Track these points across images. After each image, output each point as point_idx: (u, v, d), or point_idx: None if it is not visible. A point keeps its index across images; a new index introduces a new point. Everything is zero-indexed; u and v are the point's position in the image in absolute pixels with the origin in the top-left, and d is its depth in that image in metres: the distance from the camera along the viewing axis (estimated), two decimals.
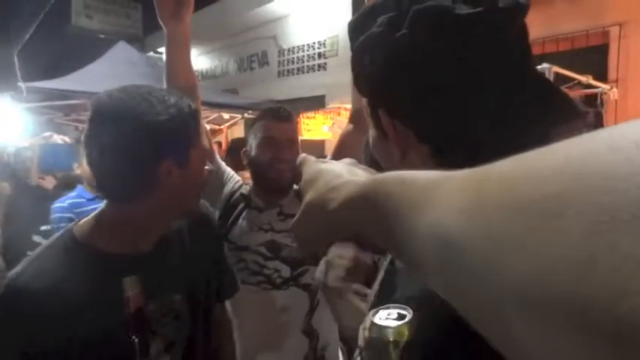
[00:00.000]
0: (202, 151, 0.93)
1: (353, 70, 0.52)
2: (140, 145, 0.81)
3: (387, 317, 0.60)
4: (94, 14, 10.25)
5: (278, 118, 1.44)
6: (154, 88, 0.87)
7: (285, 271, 1.41)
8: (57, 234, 0.91)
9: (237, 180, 1.55)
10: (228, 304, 1.25)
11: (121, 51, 5.53)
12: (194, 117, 0.90)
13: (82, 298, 0.80)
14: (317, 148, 5.55)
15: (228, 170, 1.56)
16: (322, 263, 0.85)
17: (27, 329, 0.77)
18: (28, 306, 0.78)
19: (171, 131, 0.83)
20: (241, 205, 1.48)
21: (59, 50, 8.60)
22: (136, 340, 0.86)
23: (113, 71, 4.71)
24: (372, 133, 0.54)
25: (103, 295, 0.83)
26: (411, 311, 0.66)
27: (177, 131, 0.85)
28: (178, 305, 0.95)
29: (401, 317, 0.61)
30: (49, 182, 3.09)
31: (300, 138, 1.56)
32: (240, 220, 1.46)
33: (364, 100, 0.53)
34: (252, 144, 1.47)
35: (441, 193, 0.25)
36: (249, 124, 1.54)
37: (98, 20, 10.31)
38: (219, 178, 1.49)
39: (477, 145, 0.43)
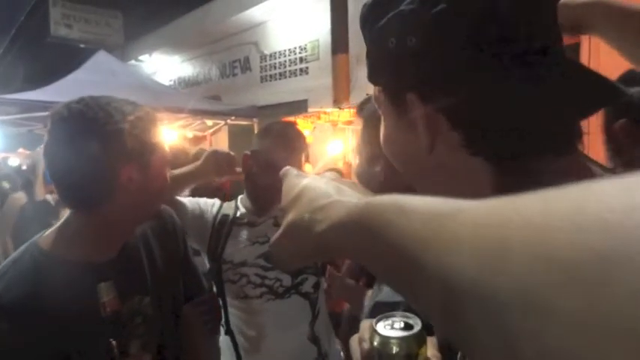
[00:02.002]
0: (162, 157, 0.96)
1: (371, 56, 0.48)
2: (99, 154, 0.83)
3: (392, 327, 0.55)
4: (73, 23, 10.16)
5: (270, 136, 1.45)
6: (113, 99, 0.90)
7: (286, 280, 1.42)
8: (21, 247, 0.91)
9: (212, 203, 1.56)
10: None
11: (102, 60, 5.50)
12: (153, 124, 0.93)
13: (57, 310, 0.81)
14: None
15: (200, 201, 1.56)
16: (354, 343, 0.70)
17: (4, 345, 0.78)
18: (3, 322, 0.79)
19: (130, 139, 0.86)
20: (227, 224, 1.48)
21: (38, 61, 8.51)
22: (115, 344, 0.87)
23: (94, 81, 4.69)
24: (389, 124, 0.50)
25: (78, 304, 0.84)
26: (419, 321, 0.63)
27: (137, 138, 0.87)
28: (148, 307, 0.97)
29: (408, 327, 0.56)
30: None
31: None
32: (230, 239, 1.46)
33: (377, 89, 0.50)
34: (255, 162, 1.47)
35: (450, 232, 0.23)
36: (258, 133, 1.52)
37: (78, 29, 10.21)
38: (196, 215, 1.49)
39: (513, 132, 0.41)
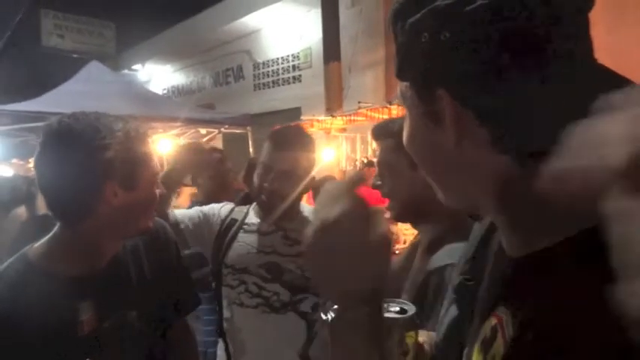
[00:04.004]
0: (151, 174, 0.97)
1: (401, 51, 0.47)
2: (84, 168, 0.86)
3: (387, 310, 0.60)
4: (65, 33, 10.16)
5: (279, 146, 1.40)
6: (103, 115, 0.92)
7: (285, 295, 1.39)
8: (12, 258, 0.93)
9: (219, 207, 1.54)
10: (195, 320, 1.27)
11: (95, 70, 5.49)
12: (142, 141, 0.94)
13: (37, 323, 0.82)
14: None
15: (204, 208, 1.55)
16: None
17: None
18: None
19: (115, 154, 0.88)
20: (234, 228, 1.47)
21: (30, 71, 8.49)
22: None
23: (87, 91, 4.68)
24: (415, 121, 0.49)
25: (57, 320, 0.85)
26: (413, 307, 0.66)
27: (123, 155, 0.89)
28: (134, 321, 0.98)
29: (402, 312, 0.61)
30: None
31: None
32: (234, 243, 1.45)
33: (403, 85, 0.49)
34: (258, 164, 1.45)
35: None
36: (268, 139, 1.46)
37: (70, 39, 10.21)
38: (202, 224, 1.48)
39: (542, 132, 0.40)
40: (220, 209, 1.53)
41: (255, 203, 1.51)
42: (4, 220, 2.97)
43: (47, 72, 6.72)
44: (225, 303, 1.45)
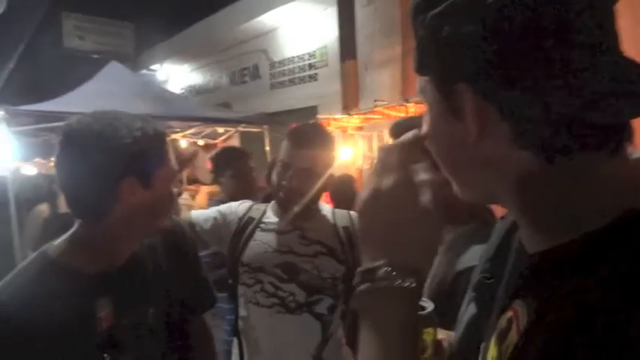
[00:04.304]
0: (170, 173, 0.98)
1: (421, 45, 0.47)
2: (101, 167, 0.87)
3: None
4: (85, 35, 10.31)
5: (298, 144, 1.39)
6: (122, 114, 0.93)
7: (301, 296, 1.39)
8: (33, 254, 0.95)
9: (237, 204, 1.54)
10: (212, 318, 1.28)
11: (114, 70, 5.57)
12: (160, 140, 0.95)
13: (56, 321, 0.84)
14: None
15: (221, 207, 1.55)
16: None
17: (1, 352, 0.81)
18: (2, 329, 0.83)
19: (133, 153, 0.89)
20: (251, 227, 1.47)
21: (52, 72, 8.66)
22: (109, 359, 0.90)
23: (106, 91, 4.75)
24: (435, 116, 0.49)
25: (76, 316, 0.87)
26: (432, 304, 0.66)
27: (140, 153, 0.90)
28: (152, 319, 0.99)
29: (420, 309, 0.61)
30: None
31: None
32: (251, 242, 1.44)
33: (423, 80, 0.49)
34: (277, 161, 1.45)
35: None
36: (287, 137, 1.45)
37: (90, 40, 10.36)
38: (218, 224, 1.48)
39: (566, 126, 0.40)
40: (238, 207, 1.54)
41: (273, 201, 1.51)
42: (27, 217, 3.04)
43: (68, 73, 6.84)
44: (241, 301, 1.45)
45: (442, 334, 0.86)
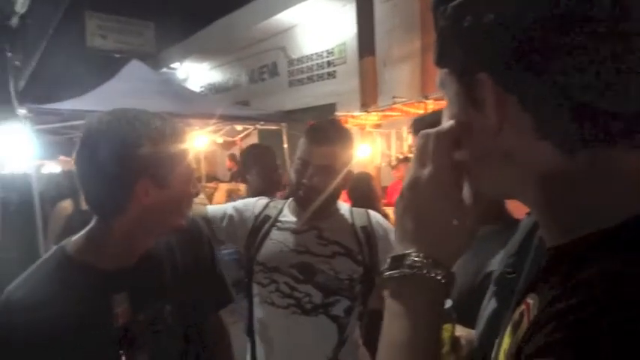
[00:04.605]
0: (187, 171, 0.98)
1: (442, 37, 0.47)
2: (117, 165, 0.87)
3: None
4: (107, 34, 10.50)
5: (316, 141, 1.37)
6: (141, 112, 0.93)
7: (317, 297, 1.36)
8: (51, 250, 0.96)
9: (254, 202, 1.53)
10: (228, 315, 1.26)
11: (135, 69, 5.65)
12: (177, 139, 0.95)
13: (73, 315, 0.85)
14: None
15: (237, 204, 1.54)
16: None
17: (19, 346, 0.83)
18: (20, 323, 0.84)
19: (149, 152, 0.89)
20: (267, 226, 1.45)
21: (75, 71, 8.83)
22: (124, 355, 0.91)
23: (128, 89, 4.83)
24: (455, 107, 0.49)
25: (93, 311, 0.88)
26: (449, 301, 0.65)
27: (156, 152, 0.90)
28: (168, 315, 1.00)
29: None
30: None
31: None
32: (267, 241, 1.42)
33: (443, 72, 0.49)
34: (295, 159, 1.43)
35: None
36: (305, 135, 1.43)
37: (112, 40, 10.55)
38: (234, 221, 1.48)
39: (588, 117, 0.39)
40: (255, 204, 1.52)
41: (290, 200, 1.50)
42: (51, 213, 3.11)
43: (91, 71, 6.96)
44: (256, 301, 1.43)
45: (460, 331, 0.85)
